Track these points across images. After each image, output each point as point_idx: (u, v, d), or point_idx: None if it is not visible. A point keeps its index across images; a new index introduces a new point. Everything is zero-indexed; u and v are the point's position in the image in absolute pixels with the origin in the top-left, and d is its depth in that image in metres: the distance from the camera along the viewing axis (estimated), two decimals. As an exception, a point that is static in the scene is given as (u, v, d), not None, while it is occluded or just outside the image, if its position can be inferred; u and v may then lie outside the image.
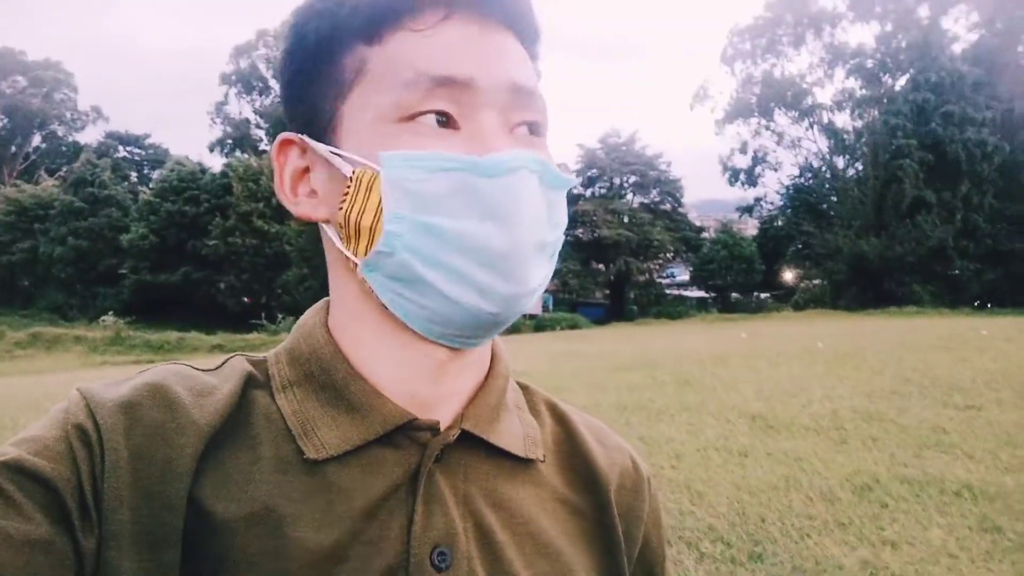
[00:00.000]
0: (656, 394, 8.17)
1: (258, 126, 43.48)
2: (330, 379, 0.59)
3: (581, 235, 37.71)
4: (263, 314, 27.04)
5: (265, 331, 25.23)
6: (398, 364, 0.59)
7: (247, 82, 43.24)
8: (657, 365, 10.82)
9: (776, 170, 41.01)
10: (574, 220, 37.49)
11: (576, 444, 0.69)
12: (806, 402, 7.52)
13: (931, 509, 4.44)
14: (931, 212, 30.55)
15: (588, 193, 39.63)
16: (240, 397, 0.57)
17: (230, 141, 43.65)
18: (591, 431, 0.72)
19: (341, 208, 0.56)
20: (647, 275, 38.64)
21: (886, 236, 30.73)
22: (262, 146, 42.57)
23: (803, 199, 39.62)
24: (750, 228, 43.65)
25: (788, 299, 36.41)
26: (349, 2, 0.55)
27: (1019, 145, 32.63)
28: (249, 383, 0.59)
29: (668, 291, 41.29)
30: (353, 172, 0.54)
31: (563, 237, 0.60)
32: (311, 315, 0.64)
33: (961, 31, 37.08)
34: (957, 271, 30.92)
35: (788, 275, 39.68)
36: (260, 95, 43.31)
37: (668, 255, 40.29)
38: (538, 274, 0.55)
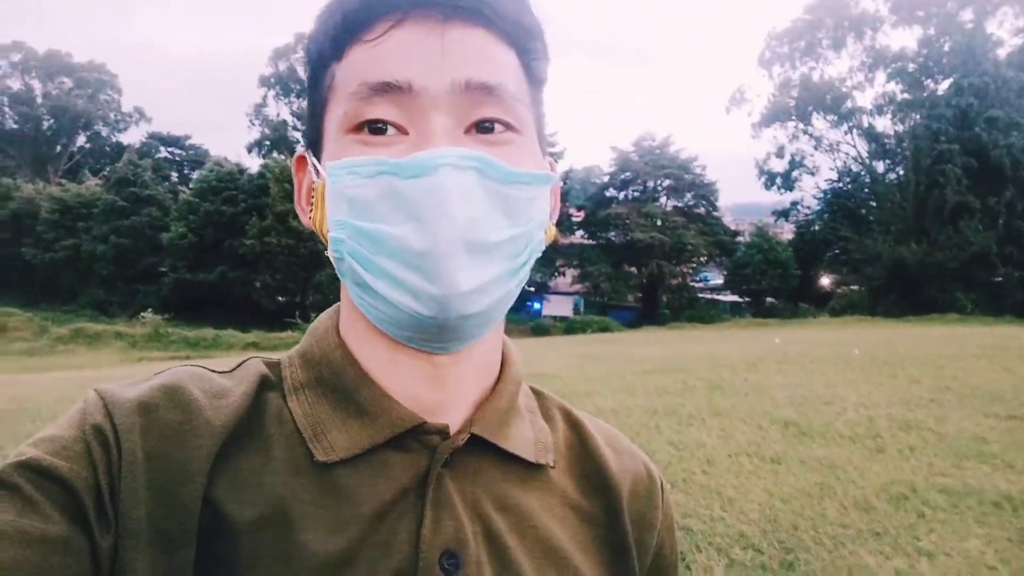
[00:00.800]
0: (687, 399, 8.09)
1: (295, 128, 44.13)
2: (340, 382, 0.59)
3: (613, 238, 37.61)
4: (297, 313, 27.41)
5: (299, 329, 25.54)
6: (395, 368, 0.59)
7: (285, 84, 43.95)
8: (688, 369, 10.72)
9: (813, 174, 40.55)
10: (606, 223, 37.39)
11: (589, 450, 0.69)
12: (841, 409, 7.39)
13: (969, 520, 4.33)
14: (974, 218, 29.85)
15: (621, 196, 39.50)
16: (254, 399, 0.58)
17: (268, 143, 44.38)
18: (604, 437, 0.71)
19: (311, 218, 0.59)
20: (680, 279, 38.35)
21: (927, 242, 30.08)
22: (299, 148, 43.15)
23: (841, 204, 39.02)
24: (786, 233, 43.06)
25: (824, 305, 35.80)
26: (325, 25, 0.58)
27: (1067, 150, 31.66)
28: (263, 385, 0.60)
29: (701, 295, 40.94)
30: (315, 183, 0.57)
31: (539, 235, 0.58)
32: (324, 319, 0.65)
33: (1006, 35, 36.07)
34: (1000, 278, 30.12)
35: (825, 280, 39.09)
36: (298, 97, 43.96)
37: (701, 259, 39.96)
38: (473, 276, 0.52)
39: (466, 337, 0.57)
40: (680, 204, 39.64)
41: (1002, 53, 34.12)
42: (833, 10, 38.55)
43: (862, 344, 14.34)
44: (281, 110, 45.14)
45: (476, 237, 0.52)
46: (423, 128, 0.54)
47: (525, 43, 0.59)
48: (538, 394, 0.72)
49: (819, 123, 39.16)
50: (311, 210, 0.59)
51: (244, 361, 0.63)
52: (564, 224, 36.39)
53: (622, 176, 39.54)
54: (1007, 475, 5.15)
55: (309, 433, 0.57)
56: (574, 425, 0.71)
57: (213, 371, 0.61)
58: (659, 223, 37.00)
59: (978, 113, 30.53)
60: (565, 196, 36.74)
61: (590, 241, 39.05)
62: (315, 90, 0.60)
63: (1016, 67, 32.57)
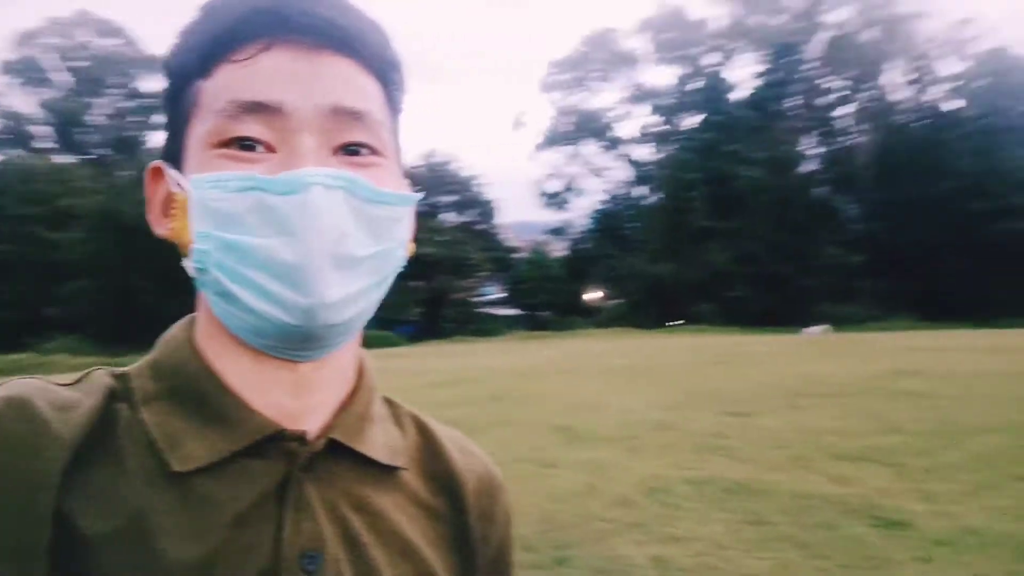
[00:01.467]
0: (469, 410, 8.36)
1: (46, 122, 38.91)
2: (197, 392, 0.60)
3: (398, 252, 37.51)
4: (32, 330, 24.10)
5: (35, 350, 22.44)
6: (257, 377, 0.60)
7: (32, 72, 38.62)
8: (470, 381, 11.06)
9: (585, 196, 43.67)
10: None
11: (437, 453, 0.73)
12: (607, 414, 8.07)
13: (711, 506, 4.95)
14: (716, 240, 33.95)
15: (407, 210, 39.61)
16: (103, 411, 0.57)
17: (10, 136, 38.61)
18: (451, 441, 0.76)
19: (171, 228, 0.60)
20: (463, 293, 39.28)
21: (678, 260, 33.67)
22: (46, 144, 38.21)
23: (608, 224, 42.47)
24: (561, 250, 45.83)
25: (594, 317, 38.54)
26: (190, 41, 0.59)
27: (790, 182, 37.29)
28: (111, 397, 0.59)
29: (482, 309, 42.17)
30: (178, 195, 0.58)
31: (400, 252, 0.62)
32: (177, 330, 0.65)
33: (744, 78, 41.69)
34: (737, 293, 34.52)
35: (594, 295, 42.11)
36: (44, 86, 38.87)
37: (483, 274, 41.25)
38: (340, 288, 0.56)
39: (328, 346, 0.60)
40: (465, 220, 40.69)
41: (740, 95, 39.33)
42: (603, 45, 42.09)
43: (624, 354, 15.72)
44: (26, 100, 39.56)
45: (344, 252, 0.55)
46: (292, 148, 0.56)
47: (388, 74, 0.62)
48: (390, 402, 0.75)
49: (590, 148, 42.35)
50: (170, 222, 0.60)
51: (88, 372, 0.63)
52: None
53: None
54: (742, 465, 5.95)
55: (164, 443, 0.57)
56: (423, 430, 0.75)
57: (55, 384, 0.60)
58: (444, 238, 37.69)
59: (719, 146, 34.85)
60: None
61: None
62: (176, 104, 0.61)
63: (749, 107, 37.70)
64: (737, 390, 9.74)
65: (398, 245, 0.62)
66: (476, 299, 41.95)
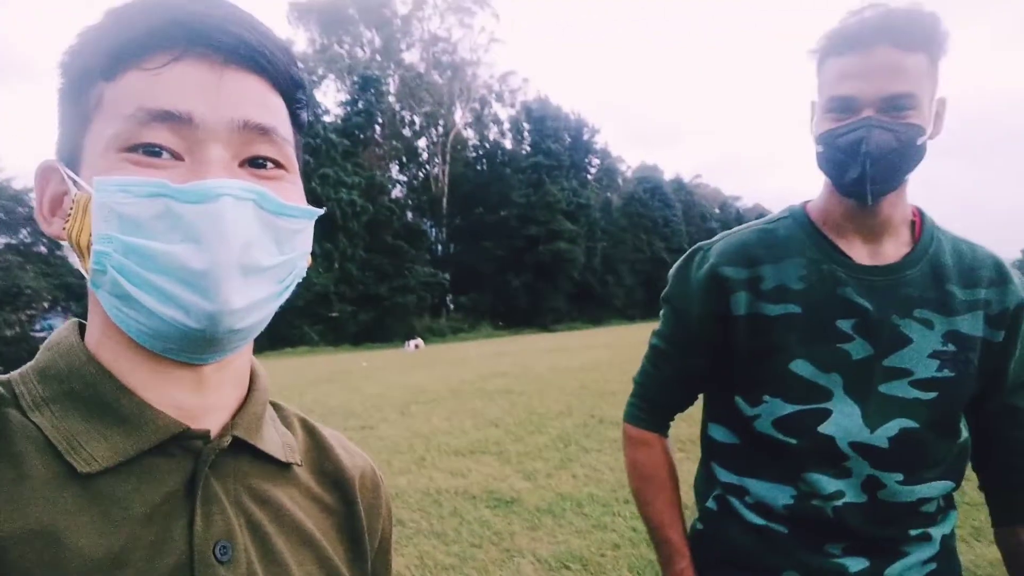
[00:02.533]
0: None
1: None
2: (96, 394, 0.59)
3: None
4: None
5: None
6: (156, 378, 0.61)
7: None
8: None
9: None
10: None
11: (324, 451, 0.77)
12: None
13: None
14: (316, 261, 34.25)
15: None
16: None
17: None
18: (336, 440, 0.80)
19: (65, 228, 0.59)
20: (17, 328, 32.78)
21: (279, 283, 33.13)
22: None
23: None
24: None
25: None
26: (96, 44, 0.59)
27: (379, 207, 39.44)
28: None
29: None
30: (76, 195, 0.58)
31: (302, 263, 0.65)
32: (65, 333, 0.64)
33: (331, 105, 42.96)
34: (337, 313, 35.32)
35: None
36: None
37: (44, 304, 35.02)
38: (245, 295, 0.57)
39: (228, 350, 0.61)
40: (14, 241, 34.04)
41: (329, 120, 40.33)
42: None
43: (232, 381, 14.87)
44: None
45: (250, 261, 0.57)
46: (200, 157, 0.57)
47: (293, 93, 0.65)
48: (275, 405, 0.78)
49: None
50: (66, 222, 0.60)
51: None
52: None
53: None
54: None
55: (64, 446, 0.56)
56: (310, 431, 0.79)
57: None
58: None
59: (314, 170, 35.29)
60: None
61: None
62: (75, 104, 0.60)
63: (339, 133, 38.95)
64: (352, 405, 10.08)
65: (300, 256, 0.64)
66: (37, 334, 35.38)
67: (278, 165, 0.62)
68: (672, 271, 1.37)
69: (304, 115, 0.68)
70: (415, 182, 47.13)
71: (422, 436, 7.64)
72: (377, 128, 44.37)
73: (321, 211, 0.67)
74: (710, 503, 1.33)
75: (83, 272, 0.60)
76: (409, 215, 44.88)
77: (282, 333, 32.12)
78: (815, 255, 1.21)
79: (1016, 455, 1.23)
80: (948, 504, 1.24)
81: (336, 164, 36.65)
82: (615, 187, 60.03)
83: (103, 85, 0.58)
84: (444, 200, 44.58)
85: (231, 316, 0.57)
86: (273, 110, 0.62)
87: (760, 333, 1.21)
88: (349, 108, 41.77)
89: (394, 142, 46.21)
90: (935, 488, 1.18)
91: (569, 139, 51.74)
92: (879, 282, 1.18)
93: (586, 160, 54.94)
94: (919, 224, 1.25)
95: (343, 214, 35.65)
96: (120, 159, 0.57)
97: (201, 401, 0.63)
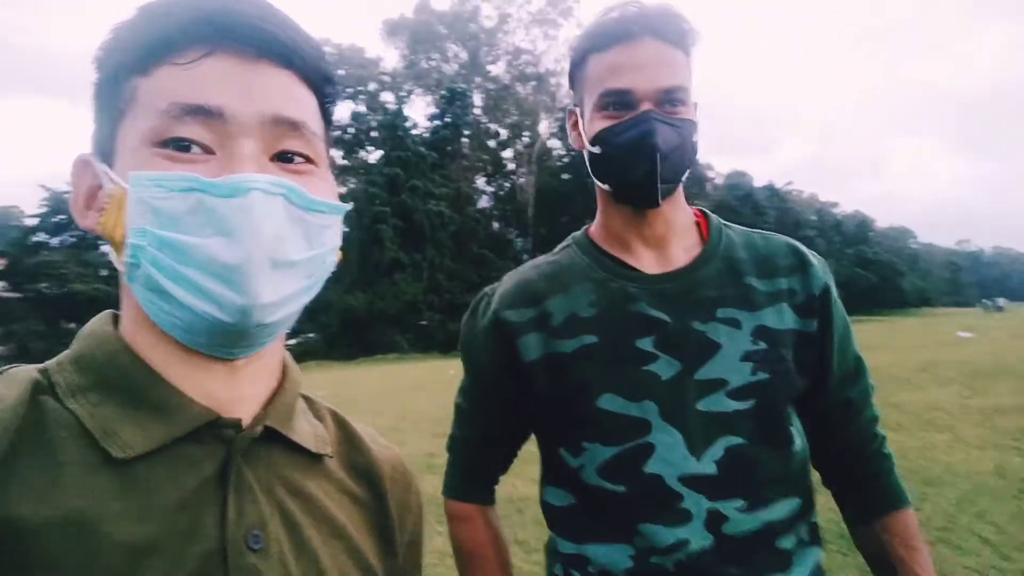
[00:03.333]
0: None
1: None
2: (130, 383, 0.60)
3: (45, 290, 32.36)
4: None
5: None
6: (190, 368, 0.62)
7: None
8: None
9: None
10: (36, 272, 32.10)
11: (355, 444, 0.78)
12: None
13: (432, 521, 5.22)
14: (405, 271, 35.09)
15: (56, 242, 34.39)
16: (29, 403, 0.57)
17: None
18: (367, 434, 0.81)
19: (100, 222, 0.60)
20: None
21: (371, 292, 34.07)
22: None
23: (295, 256, 41.23)
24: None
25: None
26: (129, 39, 0.60)
27: (466, 217, 40.04)
28: (36, 389, 0.59)
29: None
30: (111, 189, 0.59)
31: (331, 258, 0.66)
32: (100, 324, 0.66)
33: (420, 119, 43.99)
34: (426, 322, 36.01)
35: (284, 330, 40.55)
36: None
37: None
38: (276, 290, 0.58)
39: (257, 344, 0.63)
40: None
41: (418, 133, 41.32)
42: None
43: (325, 386, 15.47)
44: None
45: (280, 256, 0.58)
46: (232, 152, 0.58)
47: (322, 88, 0.66)
48: (307, 398, 0.79)
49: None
50: (99, 215, 0.61)
51: (6, 368, 0.63)
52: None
53: (56, 219, 34.49)
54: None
55: (99, 432, 0.57)
56: (341, 424, 0.80)
57: None
58: (104, 273, 33.31)
59: (403, 182, 36.24)
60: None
61: (15, 294, 32.80)
62: (109, 99, 0.61)
63: (428, 145, 39.84)
64: (438, 413, 10.28)
65: (329, 251, 0.65)
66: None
67: (307, 160, 0.63)
68: (463, 320, 1.24)
69: (333, 109, 0.70)
70: (501, 192, 47.61)
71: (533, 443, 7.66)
72: (464, 140, 45.14)
73: (348, 207, 0.69)
74: None
75: (117, 265, 0.61)
76: (495, 225, 45.35)
77: (373, 341, 32.99)
78: (601, 275, 1.10)
79: (857, 449, 1.14)
80: (812, 539, 1.09)
81: (425, 176, 37.48)
82: (704, 195, 58.74)
83: (137, 80, 0.59)
84: (530, 210, 44.82)
85: (261, 310, 0.57)
86: (303, 104, 0.63)
87: (561, 374, 1.07)
88: (437, 121, 42.67)
89: (481, 154, 46.86)
90: (780, 509, 1.03)
91: (656, 147, 50.90)
92: (672, 288, 1.07)
93: (674, 168, 53.83)
94: (704, 224, 1.16)
95: (431, 225, 36.38)
96: (153, 153, 0.57)
97: (233, 393, 0.64)
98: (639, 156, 1.01)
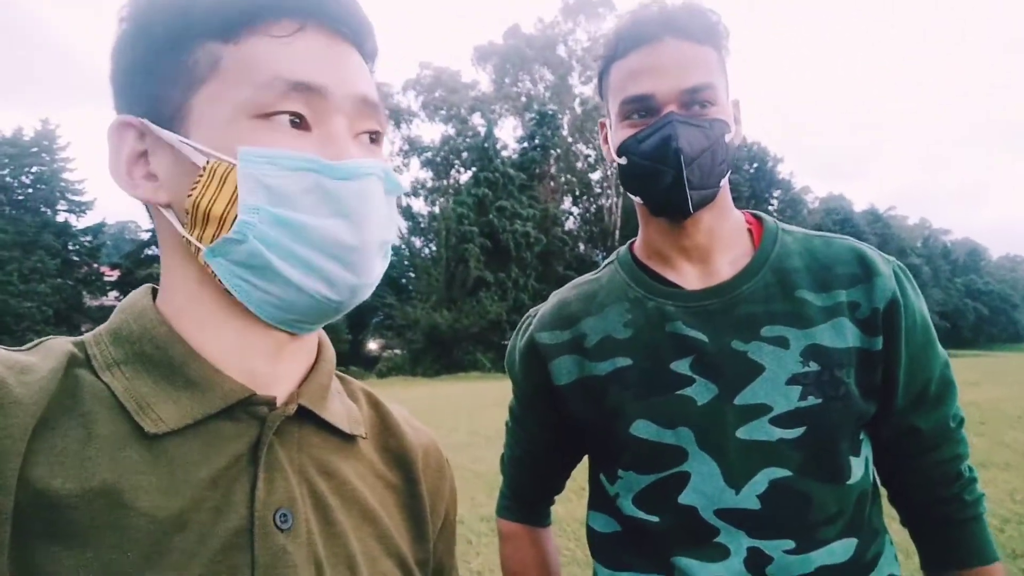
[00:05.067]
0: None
1: None
2: (166, 357, 0.60)
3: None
4: None
5: None
6: (238, 344, 0.62)
7: None
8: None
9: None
10: (146, 283, 34.08)
11: (389, 426, 0.77)
12: (397, 460, 8.01)
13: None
14: (490, 290, 35.42)
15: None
16: (64, 375, 0.57)
17: None
18: (401, 416, 0.80)
19: (190, 195, 0.58)
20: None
21: (455, 310, 34.57)
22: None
23: (386, 274, 41.92)
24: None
25: (373, 367, 38.04)
26: (208, 2, 0.58)
27: (552, 238, 40.15)
28: (71, 362, 0.58)
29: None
30: (208, 162, 0.57)
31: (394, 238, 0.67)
32: (139, 297, 0.65)
33: (509, 140, 44.58)
34: (508, 341, 35.91)
35: (372, 344, 41.63)
36: None
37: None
38: (379, 268, 0.62)
39: (334, 319, 0.65)
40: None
41: (507, 154, 41.86)
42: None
43: (407, 401, 15.67)
44: None
45: (386, 237, 0.61)
46: (328, 130, 0.59)
47: (373, 65, 0.68)
48: (341, 377, 0.78)
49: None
50: (193, 187, 0.58)
51: (43, 340, 0.62)
52: (95, 284, 32.08)
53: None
54: (528, 498, 6.24)
55: (133, 406, 0.57)
56: (375, 405, 0.79)
57: (10, 349, 0.58)
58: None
59: (491, 202, 36.71)
60: (95, 253, 32.52)
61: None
62: (173, 61, 0.59)
63: (516, 167, 40.27)
64: (517, 431, 10.19)
65: (395, 232, 0.67)
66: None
67: (379, 139, 0.66)
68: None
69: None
70: (588, 214, 47.49)
71: (582, 465, 7.56)
72: (552, 162, 45.37)
73: (406, 188, 0.71)
74: None
75: (188, 237, 0.59)
76: (581, 246, 45.20)
77: (456, 358, 33.38)
78: (638, 294, 1.04)
79: (930, 488, 1.00)
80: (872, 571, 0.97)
81: (512, 197, 37.84)
82: (800, 219, 56.87)
83: (220, 47, 0.58)
84: (616, 232, 44.46)
85: (367, 289, 0.61)
86: (373, 83, 0.65)
87: (596, 398, 1.02)
88: (526, 143, 43.09)
89: (568, 175, 46.96)
90: (836, 552, 0.93)
91: (751, 169, 49.81)
92: (713, 305, 0.99)
93: (768, 192, 52.54)
94: (758, 231, 1.06)
95: (516, 245, 36.63)
96: (256, 126, 0.57)
97: (273, 368, 0.64)
98: (663, 163, 0.94)
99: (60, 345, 0.60)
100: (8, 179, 30.54)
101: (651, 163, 0.96)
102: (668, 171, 0.94)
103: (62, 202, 31.99)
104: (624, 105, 0.99)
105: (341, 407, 0.72)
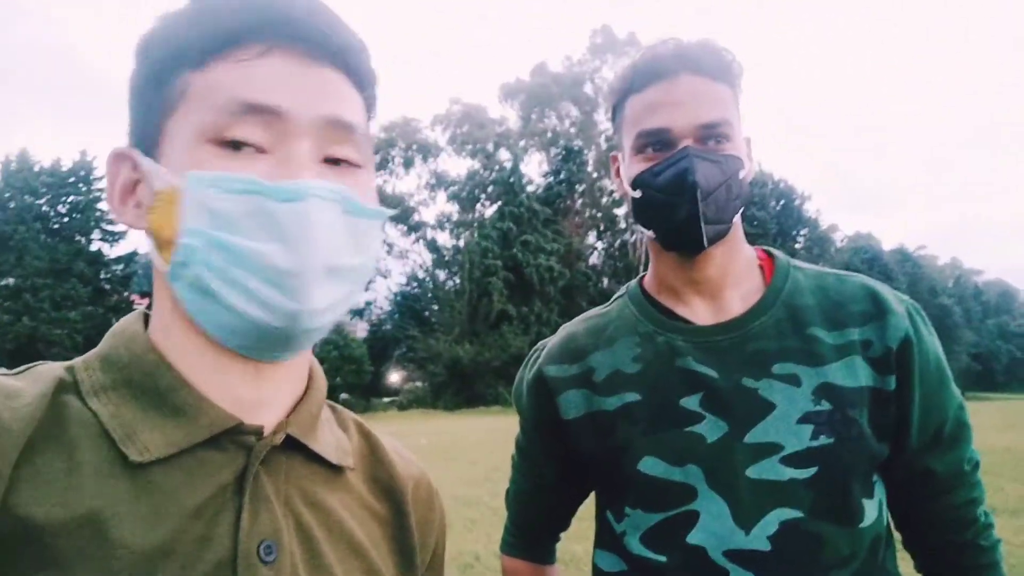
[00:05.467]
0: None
1: None
2: (153, 384, 0.59)
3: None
4: None
5: None
6: (217, 370, 0.61)
7: None
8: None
9: (386, 277, 43.81)
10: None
11: (379, 457, 0.76)
12: (414, 493, 7.94)
13: None
14: (512, 323, 35.38)
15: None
16: (51, 400, 0.56)
17: None
18: (391, 447, 0.78)
19: (148, 218, 0.59)
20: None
21: (478, 343, 34.56)
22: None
23: (409, 306, 42.75)
24: (361, 331, 45.18)
25: (396, 399, 38.02)
26: (185, 31, 0.59)
27: (576, 272, 40.13)
28: (59, 388, 0.58)
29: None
30: (163, 186, 0.57)
31: (373, 264, 0.65)
32: (129, 323, 0.65)
33: (535, 176, 44.90)
34: (530, 376, 35.82)
35: (394, 376, 41.66)
36: None
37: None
38: (327, 295, 0.58)
39: (298, 348, 0.63)
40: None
41: (532, 189, 42.14)
42: (404, 133, 43.46)
43: (428, 434, 15.67)
44: None
45: (334, 262, 0.57)
46: (287, 153, 0.57)
47: (368, 90, 0.66)
48: (332, 407, 0.77)
49: (391, 231, 42.80)
50: (141, 210, 0.60)
51: (32, 365, 0.61)
52: (125, 312, 32.54)
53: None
54: (546, 536, 6.12)
55: (119, 434, 0.56)
56: (366, 436, 0.77)
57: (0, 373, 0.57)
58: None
59: (516, 236, 36.88)
60: (127, 281, 33.10)
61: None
62: (155, 92, 0.60)
63: (541, 201, 40.49)
64: (537, 466, 10.06)
65: (372, 258, 0.64)
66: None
67: (356, 164, 0.63)
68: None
69: (375, 112, 0.69)
70: (612, 249, 47.43)
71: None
72: (577, 197, 45.55)
73: (393, 211, 0.67)
74: None
75: (157, 263, 0.60)
76: (605, 281, 45.07)
77: (478, 392, 33.27)
78: (648, 328, 1.03)
79: (943, 532, 0.98)
80: None
81: (537, 231, 38.02)
82: (827, 257, 56.26)
83: (189, 74, 0.58)
84: (640, 267, 44.33)
85: (311, 316, 0.57)
86: (354, 106, 0.63)
87: (603, 434, 1.01)
88: (551, 178, 43.36)
89: (593, 210, 47.08)
90: None
91: (777, 206, 49.56)
92: (724, 341, 0.97)
93: (795, 229, 52.17)
94: (769, 266, 1.05)
95: (540, 279, 36.67)
96: (208, 152, 0.56)
97: (259, 394, 0.62)
98: (679, 196, 0.94)
99: (49, 370, 0.60)
100: (45, 208, 31.41)
101: (666, 196, 0.95)
102: (683, 204, 0.94)
103: (96, 231, 32.75)
104: (640, 138, 0.98)
105: (331, 436, 0.70)
